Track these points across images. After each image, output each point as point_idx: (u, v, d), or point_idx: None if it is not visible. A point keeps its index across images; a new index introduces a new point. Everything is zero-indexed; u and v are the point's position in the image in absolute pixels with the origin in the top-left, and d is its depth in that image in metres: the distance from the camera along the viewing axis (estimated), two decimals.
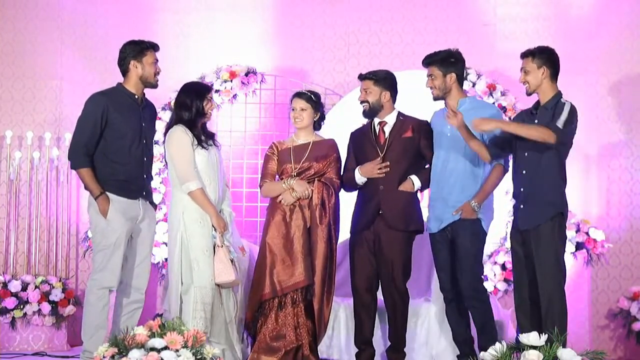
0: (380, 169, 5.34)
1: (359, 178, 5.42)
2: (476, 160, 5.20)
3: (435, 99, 5.33)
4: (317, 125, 5.58)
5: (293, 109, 5.52)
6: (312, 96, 5.53)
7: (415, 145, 5.39)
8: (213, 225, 5.26)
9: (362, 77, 5.48)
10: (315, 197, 5.37)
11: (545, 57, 5.00)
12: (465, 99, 5.31)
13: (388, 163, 5.34)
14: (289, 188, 5.39)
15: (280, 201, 5.43)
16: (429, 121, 5.47)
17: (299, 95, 5.55)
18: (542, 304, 4.87)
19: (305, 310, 5.40)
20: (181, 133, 5.28)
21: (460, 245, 5.20)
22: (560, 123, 4.83)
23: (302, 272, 5.34)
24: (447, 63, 5.25)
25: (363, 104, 5.45)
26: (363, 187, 5.46)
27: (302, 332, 5.39)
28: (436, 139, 5.35)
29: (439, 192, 5.27)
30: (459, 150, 5.21)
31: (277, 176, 5.55)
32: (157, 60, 5.33)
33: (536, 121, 4.95)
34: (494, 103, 6.49)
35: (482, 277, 5.32)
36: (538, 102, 5.04)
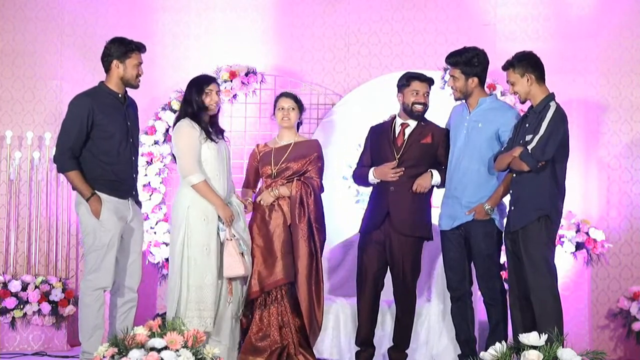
0: (395, 173, 5.33)
1: (372, 179, 5.43)
2: (490, 160, 5.19)
3: (457, 99, 5.34)
4: (298, 126, 5.65)
5: (281, 108, 5.54)
6: (297, 97, 5.61)
7: (433, 152, 5.39)
8: (220, 219, 5.26)
9: (422, 79, 5.42)
10: (294, 194, 5.40)
11: (526, 64, 4.98)
12: (486, 98, 5.29)
13: (403, 169, 5.34)
14: (277, 196, 5.45)
15: (259, 201, 5.47)
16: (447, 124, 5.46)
17: (286, 95, 5.60)
18: (534, 306, 4.87)
19: (291, 308, 5.40)
20: (187, 126, 5.28)
21: (474, 246, 5.20)
22: (533, 144, 4.82)
23: (282, 269, 5.36)
24: (470, 65, 5.22)
25: (419, 106, 5.39)
26: (376, 186, 5.47)
27: (287, 332, 5.39)
28: (452, 135, 5.34)
29: (451, 190, 5.26)
30: (473, 150, 5.20)
31: (261, 179, 5.65)
32: (141, 62, 5.29)
33: (527, 125, 4.95)
34: None
35: (500, 276, 5.29)
36: (532, 105, 5.05)
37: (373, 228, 5.41)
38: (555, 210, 4.95)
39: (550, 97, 4.98)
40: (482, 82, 5.30)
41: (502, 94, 6.60)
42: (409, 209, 5.34)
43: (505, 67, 5.04)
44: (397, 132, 5.45)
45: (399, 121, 5.46)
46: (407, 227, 5.34)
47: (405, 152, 5.38)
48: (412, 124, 5.43)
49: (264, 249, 5.41)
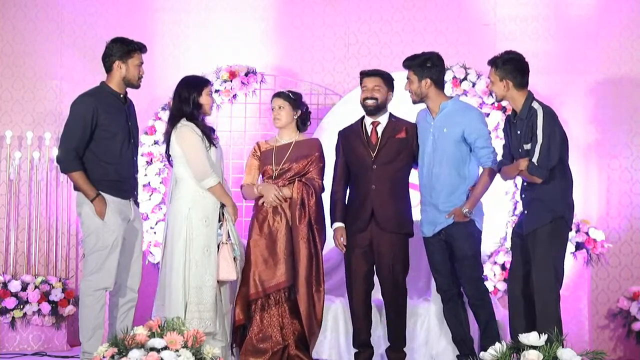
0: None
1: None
2: (461, 161, 5.19)
3: (414, 102, 5.33)
4: (301, 126, 5.55)
5: (272, 109, 5.51)
6: (290, 94, 5.52)
7: (408, 146, 5.36)
8: (219, 222, 5.25)
9: (369, 74, 5.42)
10: (295, 196, 5.36)
11: (508, 69, 4.97)
12: (447, 101, 5.27)
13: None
14: (282, 197, 5.38)
15: (262, 204, 5.43)
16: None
17: (277, 94, 5.55)
18: (537, 306, 4.88)
19: (290, 310, 5.37)
20: (191, 131, 5.22)
21: (457, 248, 5.20)
22: (536, 155, 4.81)
23: (284, 272, 5.32)
24: (423, 68, 5.23)
25: (370, 101, 5.37)
26: (355, 188, 5.44)
27: (287, 332, 5.37)
28: (420, 141, 5.33)
29: (428, 197, 5.27)
30: (442, 155, 5.20)
31: (260, 176, 5.56)
32: (142, 62, 5.28)
33: (518, 132, 4.94)
34: (493, 103, 6.48)
35: (483, 276, 5.32)
36: (515, 111, 5.02)
37: (358, 231, 5.37)
38: (568, 208, 4.96)
39: (530, 98, 4.96)
40: (438, 85, 5.28)
41: None
42: (393, 207, 5.33)
43: (489, 63, 5.04)
44: (369, 131, 5.43)
45: (368, 120, 5.43)
46: (394, 225, 5.33)
47: (381, 149, 5.36)
48: (383, 121, 5.41)
49: (264, 250, 5.37)
